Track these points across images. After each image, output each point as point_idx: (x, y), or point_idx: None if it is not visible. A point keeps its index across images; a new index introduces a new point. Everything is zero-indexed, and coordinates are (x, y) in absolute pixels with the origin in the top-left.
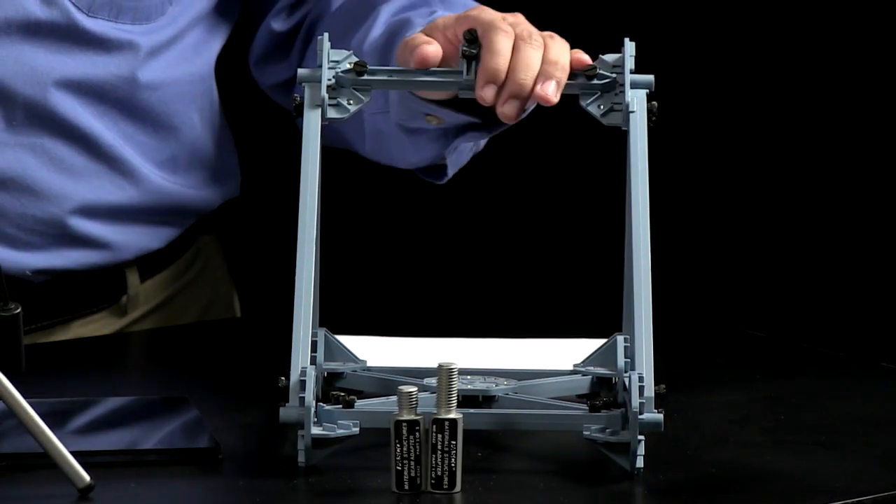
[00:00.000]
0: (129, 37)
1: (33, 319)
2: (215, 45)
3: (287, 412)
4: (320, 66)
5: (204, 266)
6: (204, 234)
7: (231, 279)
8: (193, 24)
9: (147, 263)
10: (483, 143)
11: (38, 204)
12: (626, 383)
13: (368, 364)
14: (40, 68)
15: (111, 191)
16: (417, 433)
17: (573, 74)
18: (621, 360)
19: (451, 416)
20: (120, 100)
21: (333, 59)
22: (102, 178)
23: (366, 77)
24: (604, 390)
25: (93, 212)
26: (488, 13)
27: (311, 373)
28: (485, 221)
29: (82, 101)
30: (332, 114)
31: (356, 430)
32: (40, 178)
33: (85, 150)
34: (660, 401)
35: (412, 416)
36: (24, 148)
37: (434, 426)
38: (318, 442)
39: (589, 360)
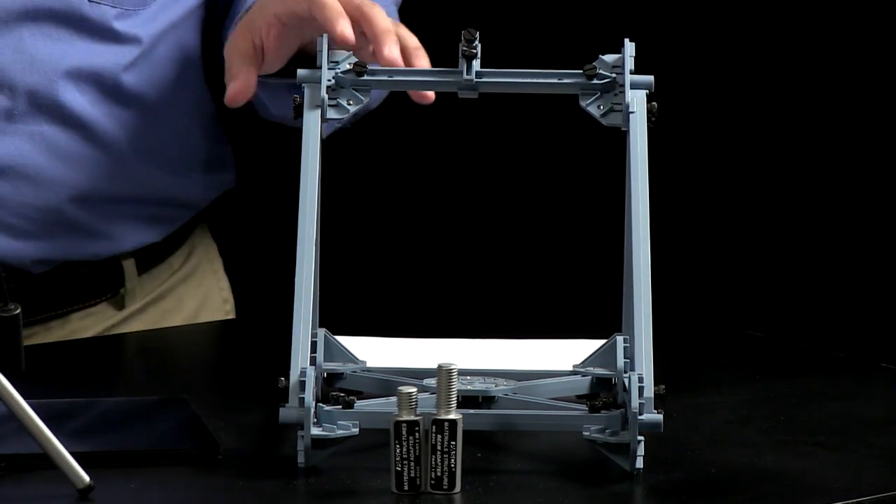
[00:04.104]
0: (127, 27)
1: (32, 312)
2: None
3: (287, 412)
4: (320, 67)
5: (200, 261)
6: (198, 230)
7: (225, 274)
8: (186, 17)
9: (145, 256)
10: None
11: (36, 192)
12: (626, 384)
13: (368, 365)
14: (40, 56)
15: (107, 180)
16: (417, 434)
17: (573, 75)
18: (621, 361)
19: (451, 416)
20: (116, 87)
21: (333, 60)
22: (98, 167)
23: (365, 77)
24: (603, 391)
25: (90, 200)
26: None
27: (311, 373)
28: (485, 222)
29: (81, 88)
30: (331, 114)
31: (356, 430)
32: (38, 165)
33: (82, 138)
34: (659, 401)
35: (412, 417)
36: (23, 136)
37: (434, 427)
38: (318, 442)
39: (588, 361)
